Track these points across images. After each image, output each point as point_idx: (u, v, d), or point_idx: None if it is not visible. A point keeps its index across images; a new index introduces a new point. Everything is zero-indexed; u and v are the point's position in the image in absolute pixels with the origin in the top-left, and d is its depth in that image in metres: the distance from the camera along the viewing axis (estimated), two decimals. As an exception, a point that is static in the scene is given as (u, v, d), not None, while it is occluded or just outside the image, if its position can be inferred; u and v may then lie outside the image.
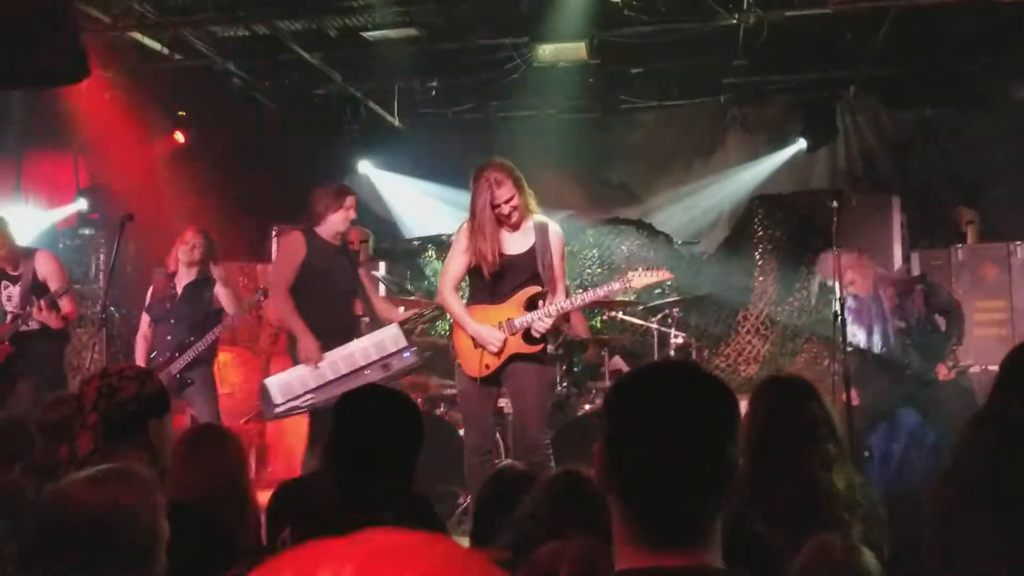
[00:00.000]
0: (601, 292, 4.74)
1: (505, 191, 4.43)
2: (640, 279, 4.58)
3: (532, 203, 4.57)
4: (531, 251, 4.53)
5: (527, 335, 4.51)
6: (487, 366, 4.53)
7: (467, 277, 4.75)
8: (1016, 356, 0.94)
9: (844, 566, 1.81)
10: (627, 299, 6.91)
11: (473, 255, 4.53)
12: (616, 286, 4.64)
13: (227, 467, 2.85)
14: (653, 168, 8.79)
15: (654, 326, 6.54)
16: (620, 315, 6.81)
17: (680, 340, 6.47)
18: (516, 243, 4.56)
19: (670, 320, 6.60)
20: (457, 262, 4.63)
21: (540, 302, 4.54)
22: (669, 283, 4.79)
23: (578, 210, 8.62)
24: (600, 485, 1.39)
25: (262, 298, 5.98)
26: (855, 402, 5.51)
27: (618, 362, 6.72)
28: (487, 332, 4.50)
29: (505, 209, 4.45)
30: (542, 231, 4.55)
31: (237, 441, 3.07)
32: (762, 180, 8.36)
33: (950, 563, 0.91)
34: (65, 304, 5.67)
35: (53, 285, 5.66)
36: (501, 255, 4.51)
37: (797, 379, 2.96)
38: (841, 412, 5.04)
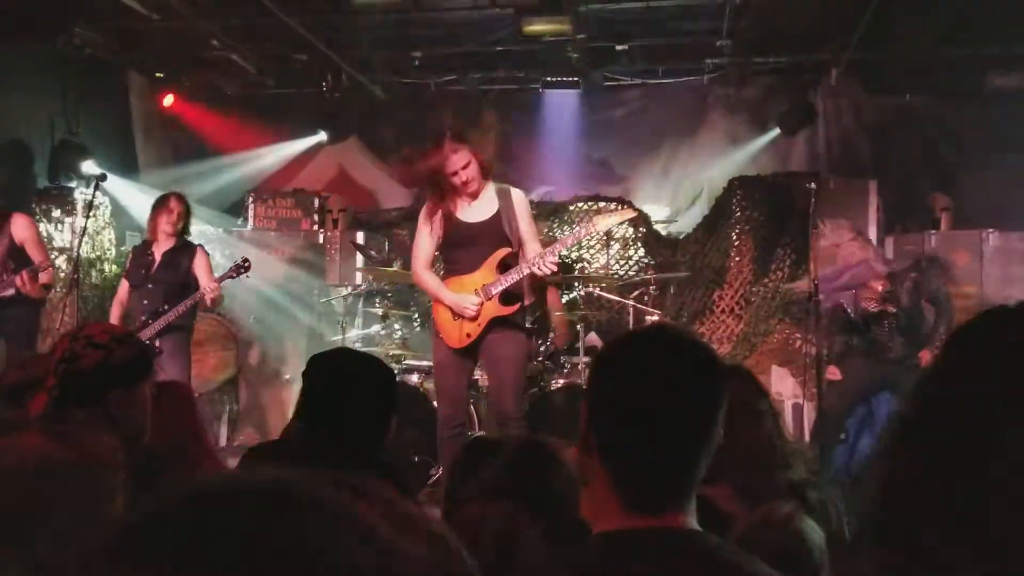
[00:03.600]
0: (569, 241, 4.78)
1: (461, 157, 4.42)
2: (604, 221, 4.59)
3: (491, 171, 4.58)
4: (496, 216, 4.53)
5: (504, 298, 4.51)
6: (468, 335, 4.54)
7: (441, 253, 4.77)
8: (949, 344, 0.97)
9: (786, 531, 1.85)
10: (604, 277, 6.94)
11: (437, 221, 4.55)
12: (582, 232, 4.68)
13: (166, 416, 2.80)
14: (635, 146, 8.79)
15: (630, 303, 6.58)
16: (597, 291, 6.84)
17: (656, 318, 6.52)
18: (479, 211, 4.55)
19: (646, 298, 6.64)
20: (425, 241, 4.65)
21: (511, 263, 4.54)
22: (632, 220, 4.79)
23: (558, 186, 8.62)
24: (582, 445, 1.39)
25: (234, 274, 5.94)
26: (837, 380, 5.60)
27: (594, 338, 6.76)
28: (463, 299, 4.51)
29: (462, 176, 4.43)
30: (504, 195, 4.56)
31: (181, 393, 3.03)
32: (742, 161, 8.39)
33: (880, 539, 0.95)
34: (43, 276, 5.64)
35: (31, 249, 5.63)
36: (462, 223, 4.53)
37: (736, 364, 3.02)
38: (815, 392, 5.13)
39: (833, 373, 5.66)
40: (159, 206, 5.82)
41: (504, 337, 4.54)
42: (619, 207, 4.72)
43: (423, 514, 0.59)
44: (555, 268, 4.52)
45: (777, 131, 8.29)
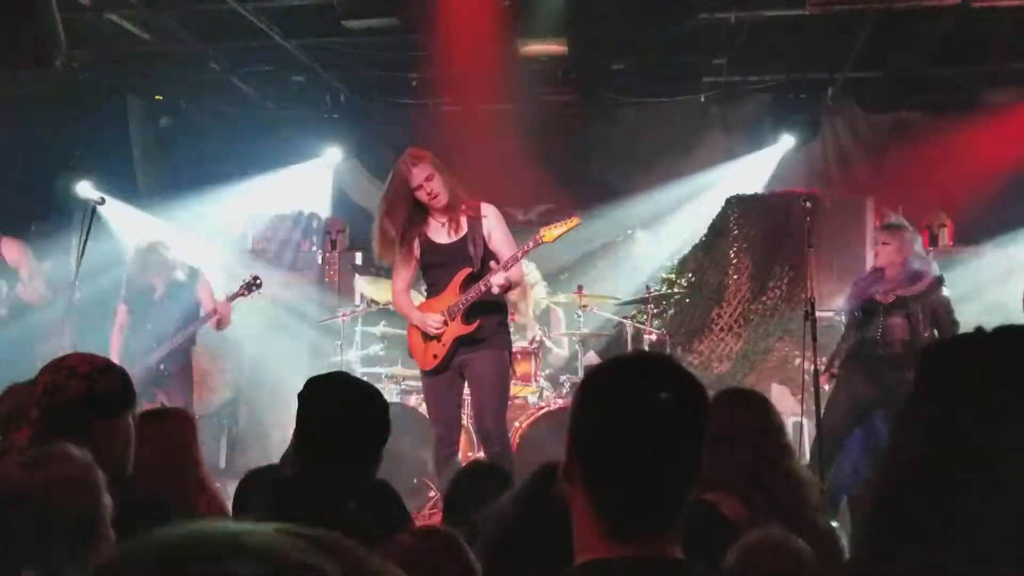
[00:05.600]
0: (519, 253, 4.60)
1: (421, 170, 4.42)
2: (551, 232, 4.52)
3: (460, 190, 4.56)
4: (463, 238, 4.55)
5: (465, 317, 4.52)
6: (434, 356, 4.58)
7: (423, 277, 4.80)
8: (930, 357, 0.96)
9: (782, 556, 1.86)
10: (602, 296, 6.95)
11: (414, 245, 4.56)
12: (530, 244, 4.54)
13: (166, 443, 2.79)
14: (632, 164, 8.81)
15: (629, 322, 6.59)
16: (595, 310, 6.84)
17: (654, 336, 6.52)
18: (448, 233, 4.57)
19: (645, 316, 6.65)
20: (402, 265, 4.68)
21: (472, 283, 4.53)
22: (578, 227, 4.64)
23: (555, 205, 8.63)
24: (564, 476, 1.39)
25: (246, 292, 5.96)
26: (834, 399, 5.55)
27: (592, 357, 6.75)
28: (428, 317, 4.56)
29: (427, 188, 4.43)
30: (474, 216, 4.57)
31: (183, 420, 3.02)
32: (738, 179, 8.40)
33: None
34: (38, 285, 5.71)
35: (23, 270, 5.68)
36: (433, 244, 4.56)
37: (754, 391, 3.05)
38: (814, 411, 5.11)
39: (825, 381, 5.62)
40: (144, 269, 5.80)
41: (481, 357, 4.56)
42: (566, 219, 4.64)
43: (388, 567, 0.60)
44: (502, 286, 4.44)
45: (773, 148, 8.30)
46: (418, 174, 4.43)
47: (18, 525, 1.60)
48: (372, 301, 7.18)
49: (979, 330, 1.01)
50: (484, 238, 4.56)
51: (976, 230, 7.35)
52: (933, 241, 7.47)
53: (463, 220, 4.56)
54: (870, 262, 7.09)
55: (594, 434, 1.37)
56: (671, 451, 1.33)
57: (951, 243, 7.47)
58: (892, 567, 0.98)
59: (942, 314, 5.49)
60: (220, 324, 5.80)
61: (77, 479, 1.68)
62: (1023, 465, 0.93)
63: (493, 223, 4.61)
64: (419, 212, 4.55)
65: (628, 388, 1.37)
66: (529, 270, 6.39)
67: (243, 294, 5.96)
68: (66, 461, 1.71)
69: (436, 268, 4.63)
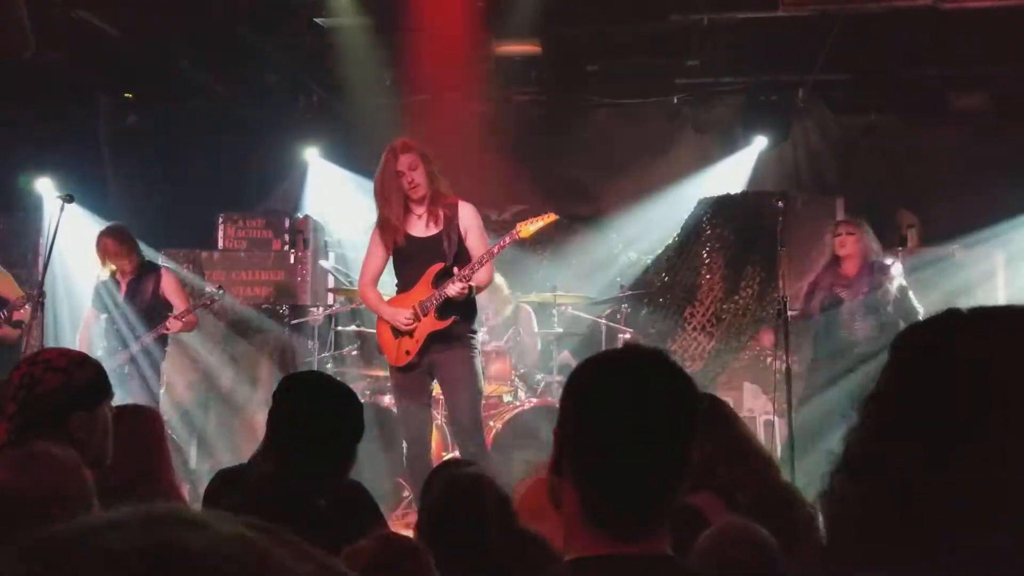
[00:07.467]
0: (495, 249, 4.61)
1: (407, 158, 4.47)
2: (527, 227, 4.57)
3: (444, 187, 4.59)
4: (439, 234, 4.56)
5: (439, 312, 4.51)
6: (407, 352, 4.56)
7: (394, 271, 4.77)
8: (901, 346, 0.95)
9: (744, 539, 1.88)
10: (576, 296, 6.97)
11: (382, 234, 4.58)
12: (506, 239, 4.58)
13: (134, 440, 2.76)
14: (605, 165, 8.84)
15: (603, 321, 6.61)
16: (569, 309, 6.85)
17: (628, 336, 6.55)
18: (424, 227, 4.59)
19: (618, 315, 6.67)
20: (374, 257, 4.69)
21: (446, 277, 4.53)
22: (555, 222, 4.69)
23: (529, 205, 8.62)
24: (553, 468, 1.38)
25: (216, 296, 5.89)
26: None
27: (567, 356, 6.76)
28: (397, 312, 4.55)
29: (408, 177, 4.46)
30: (451, 213, 4.57)
31: (151, 418, 3.00)
32: (711, 179, 8.45)
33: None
34: (19, 314, 5.65)
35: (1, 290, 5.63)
36: (408, 236, 4.55)
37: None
38: (785, 408, 5.15)
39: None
40: (103, 258, 5.72)
41: (453, 358, 4.55)
42: (543, 215, 4.69)
43: (331, 559, 0.59)
44: (461, 292, 4.42)
45: (746, 150, 8.37)
46: (403, 161, 4.48)
47: (7, 530, 1.57)
48: (345, 300, 7.15)
49: (950, 311, 1.00)
50: (460, 235, 4.56)
51: (944, 231, 7.44)
52: (902, 242, 7.57)
53: (441, 215, 4.57)
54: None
55: (583, 429, 1.36)
56: (661, 447, 1.32)
57: (919, 244, 7.56)
58: (845, 558, 0.98)
59: (909, 308, 5.56)
60: (184, 327, 5.75)
61: (69, 481, 1.66)
62: (978, 448, 0.92)
63: (470, 221, 4.61)
64: (405, 202, 4.56)
65: (618, 383, 1.36)
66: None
67: (205, 304, 5.91)
68: (55, 463, 1.69)
69: (408, 262, 4.61)
